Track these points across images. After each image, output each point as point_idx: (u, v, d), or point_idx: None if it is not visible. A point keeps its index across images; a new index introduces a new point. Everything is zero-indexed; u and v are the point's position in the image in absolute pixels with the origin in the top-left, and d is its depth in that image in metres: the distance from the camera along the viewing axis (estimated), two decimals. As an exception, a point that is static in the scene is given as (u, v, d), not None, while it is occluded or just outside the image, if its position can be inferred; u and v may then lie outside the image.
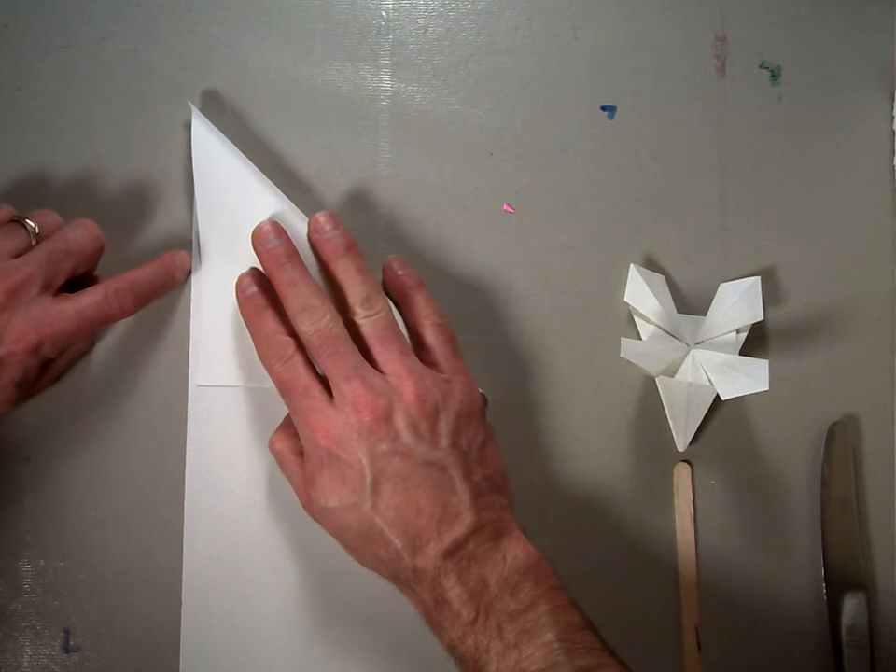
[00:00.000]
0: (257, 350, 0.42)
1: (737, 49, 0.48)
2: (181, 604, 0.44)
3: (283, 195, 0.44)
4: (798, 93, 0.49)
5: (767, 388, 0.43)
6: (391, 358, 0.40)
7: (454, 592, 0.38)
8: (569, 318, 0.47)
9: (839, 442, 0.47)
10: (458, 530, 0.38)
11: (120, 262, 0.46)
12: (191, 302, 0.46)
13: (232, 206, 0.44)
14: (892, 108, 0.49)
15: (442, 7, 0.48)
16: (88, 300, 0.41)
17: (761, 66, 0.49)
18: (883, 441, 0.48)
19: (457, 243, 0.47)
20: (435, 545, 0.38)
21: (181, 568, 0.45)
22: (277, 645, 0.45)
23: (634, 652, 0.46)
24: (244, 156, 0.44)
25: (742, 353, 0.46)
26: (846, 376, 0.48)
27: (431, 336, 0.43)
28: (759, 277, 0.46)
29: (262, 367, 0.43)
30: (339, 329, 0.41)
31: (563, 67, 0.48)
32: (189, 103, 0.45)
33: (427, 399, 0.40)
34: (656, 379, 0.46)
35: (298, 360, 0.41)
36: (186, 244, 0.45)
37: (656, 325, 0.46)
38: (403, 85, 0.48)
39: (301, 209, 0.45)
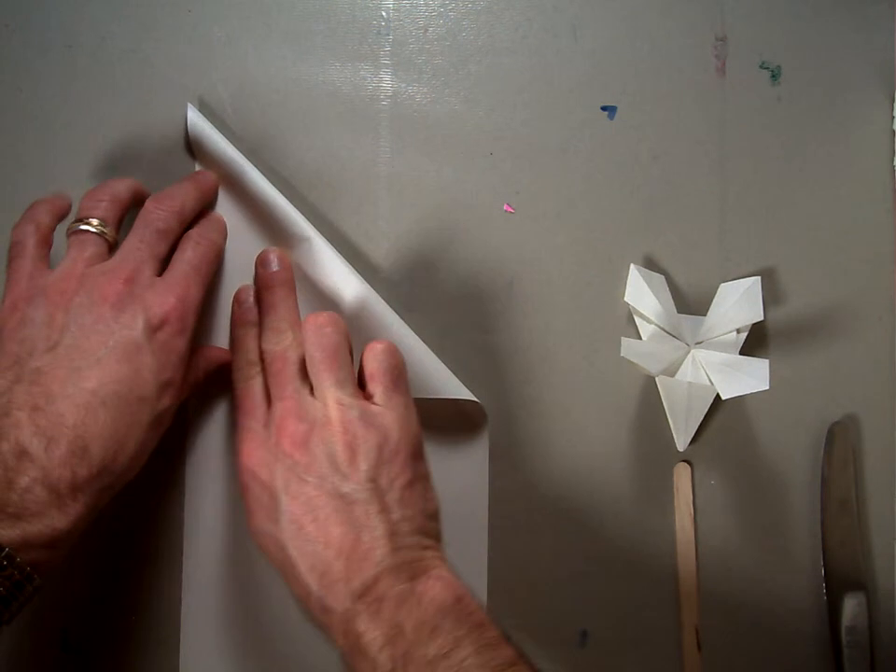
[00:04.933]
0: (231, 364, 0.43)
1: (737, 49, 0.48)
2: (181, 604, 0.45)
3: (280, 195, 0.44)
4: (798, 93, 0.49)
5: (768, 388, 0.43)
6: (324, 386, 0.39)
7: (368, 637, 0.34)
8: (569, 318, 0.47)
9: (839, 442, 0.47)
10: (368, 570, 0.35)
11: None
12: None
13: (231, 205, 0.45)
14: (892, 108, 0.49)
15: (442, 7, 0.48)
16: (188, 255, 0.40)
17: (761, 66, 0.49)
18: (883, 440, 0.48)
19: (457, 243, 0.47)
20: (343, 585, 0.35)
21: (181, 569, 0.45)
22: (277, 645, 0.45)
23: (634, 652, 0.46)
24: (242, 156, 0.44)
25: (742, 353, 0.46)
26: (846, 376, 0.48)
27: (374, 363, 0.40)
28: (759, 277, 0.46)
29: None
30: (294, 354, 0.40)
31: (563, 67, 0.48)
32: (189, 104, 0.44)
33: (347, 430, 0.38)
34: (656, 379, 0.46)
35: (256, 382, 0.41)
36: (186, 244, 0.46)
37: (656, 325, 0.46)
38: (403, 85, 0.48)
39: (300, 209, 0.45)
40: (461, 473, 0.46)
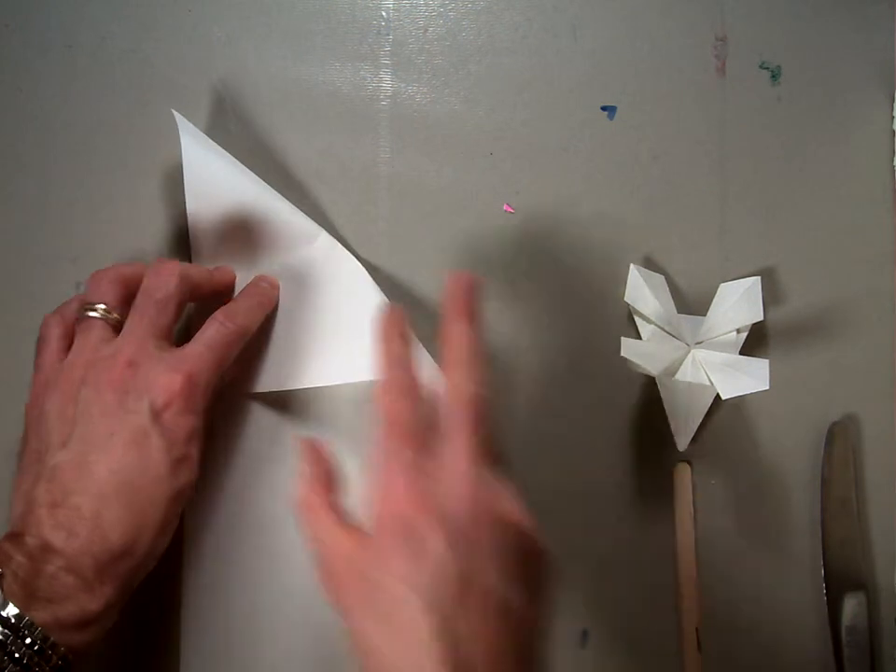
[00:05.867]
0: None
1: (737, 49, 0.48)
2: (181, 604, 0.45)
3: (277, 195, 0.44)
4: (798, 93, 0.49)
5: (768, 388, 0.43)
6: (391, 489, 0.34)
7: None
8: (569, 318, 0.47)
9: (839, 442, 0.47)
10: None
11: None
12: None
13: (223, 214, 0.44)
14: (892, 108, 0.49)
15: (442, 7, 0.48)
16: (207, 334, 0.39)
17: (761, 66, 0.49)
18: (883, 441, 0.48)
19: (457, 243, 0.47)
20: None
21: (181, 569, 0.45)
22: (277, 645, 0.45)
23: (634, 652, 0.46)
24: (235, 160, 0.44)
25: (742, 353, 0.46)
26: (846, 376, 0.48)
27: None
28: (759, 277, 0.46)
29: (258, 372, 0.44)
30: (411, 427, 0.35)
31: (563, 67, 0.48)
32: (174, 111, 0.43)
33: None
34: (656, 378, 0.46)
35: (340, 533, 0.35)
36: (186, 244, 0.45)
37: (656, 325, 0.46)
38: (403, 85, 0.48)
39: (301, 210, 0.45)
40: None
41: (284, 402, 0.45)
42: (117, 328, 0.39)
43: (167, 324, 0.39)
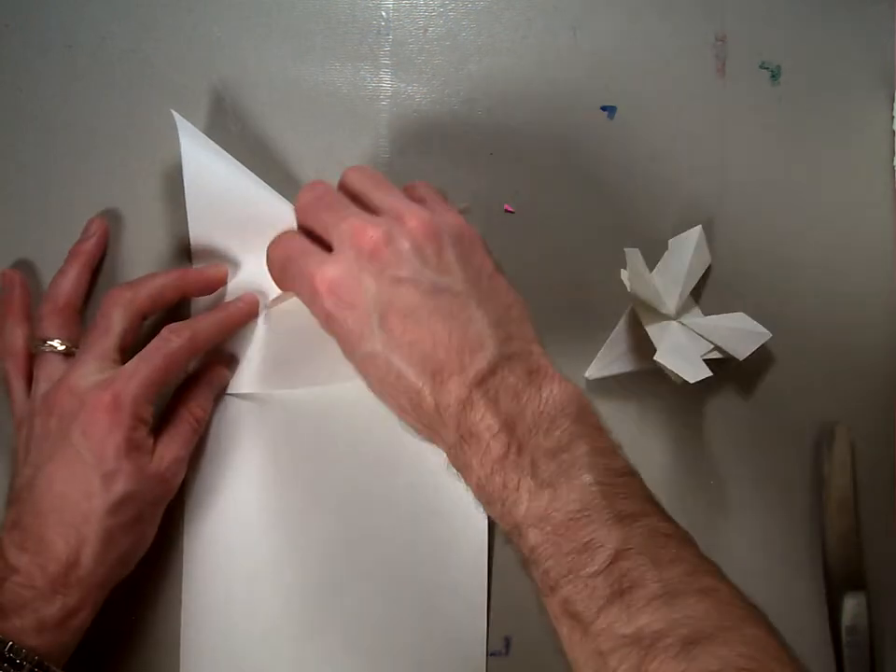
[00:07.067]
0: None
1: (737, 48, 0.48)
2: (181, 604, 0.45)
3: (276, 194, 0.44)
4: (798, 93, 0.49)
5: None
6: (385, 199, 0.39)
7: (483, 423, 0.34)
8: (569, 318, 0.47)
9: (839, 442, 0.47)
10: (483, 359, 0.35)
11: (119, 263, 0.46)
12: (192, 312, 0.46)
13: (223, 214, 0.44)
14: (892, 108, 0.49)
15: (442, 7, 0.48)
16: (147, 347, 0.41)
17: (761, 66, 0.49)
18: (882, 441, 0.48)
19: (457, 243, 0.47)
20: (458, 377, 0.35)
21: (181, 569, 0.45)
22: (277, 646, 0.45)
23: (634, 652, 0.46)
24: (235, 160, 0.44)
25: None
26: (845, 377, 0.48)
27: (420, 189, 0.41)
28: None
29: (258, 373, 0.44)
30: (335, 192, 0.40)
31: (563, 67, 0.48)
32: (173, 111, 0.43)
33: (429, 224, 0.37)
34: (647, 329, 0.46)
35: (293, 234, 0.40)
36: (186, 244, 0.45)
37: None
38: (403, 85, 0.48)
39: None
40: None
41: (284, 402, 0.45)
42: (71, 354, 0.42)
43: (110, 347, 0.41)
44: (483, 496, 0.35)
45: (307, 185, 0.41)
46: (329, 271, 0.37)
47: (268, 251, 0.41)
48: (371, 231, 0.36)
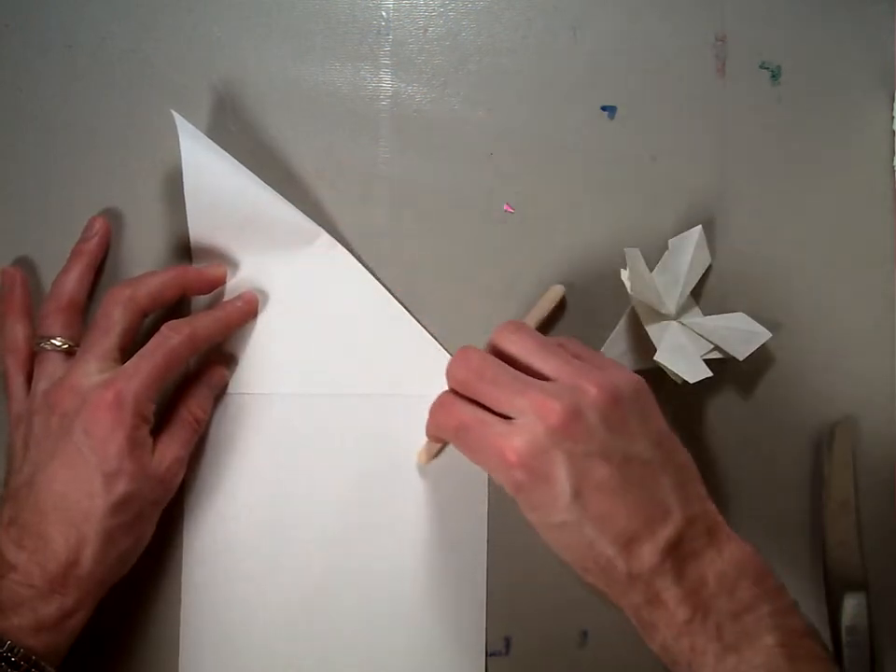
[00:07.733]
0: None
1: (737, 48, 0.48)
2: (180, 604, 0.45)
3: (276, 195, 0.44)
4: (798, 93, 0.49)
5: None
6: (552, 365, 0.38)
7: (669, 592, 0.36)
8: (569, 318, 0.47)
9: (839, 442, 0.47)
10: (672, 525, 0.36)
11: (119, 263, 0.46)
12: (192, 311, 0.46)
13: (223, 214, 0.44)
14: (892, 108, 0.49)
15: (442, 7, 0.48)
16: (147, 344, 0.41)
17: (761, 66, 0.49)
18: (883, 441, 0.48)
19: (457, 243, 0.47)
20: (649, 545, 0.36)
21: (181, 569, 0.45)
22: (276, 645, 0.45)
23: (634, 652, 0.46)
24: (235, 160, 0.44)
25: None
26: (846, 377, 0.48)
27: (573, 346, 0.40)
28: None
29: (258, 372, 0.45)
30: (494, 362, 0.39)
31: (563, 67, 0.48)
32: (173, 111, 0.43)
33: (609, 390, 0.37)
34: (647, 329, 0.45)
35: (457, 399, 0.39)
36: (186, 244, 0.46)
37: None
38: (403, 85, 0.48)
39: (301, 210, 0.45)
40: (461, 470, 0.45)
41: (283, 402, 0.45)
42: (72, 353, 0.42)
43: (111, 346, 0.41)
44: (669, 656, 0.36)
45: (459, 355, 0.39)
46: (517, 442, 0.36)
47: (435, 416, 0.40)
48: (555, 405, 0.36)
